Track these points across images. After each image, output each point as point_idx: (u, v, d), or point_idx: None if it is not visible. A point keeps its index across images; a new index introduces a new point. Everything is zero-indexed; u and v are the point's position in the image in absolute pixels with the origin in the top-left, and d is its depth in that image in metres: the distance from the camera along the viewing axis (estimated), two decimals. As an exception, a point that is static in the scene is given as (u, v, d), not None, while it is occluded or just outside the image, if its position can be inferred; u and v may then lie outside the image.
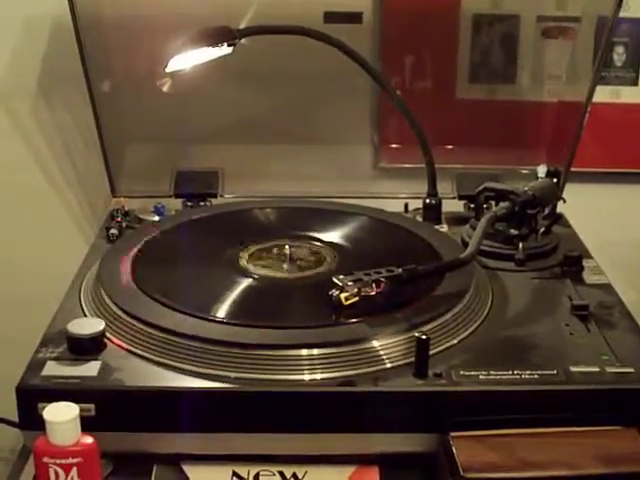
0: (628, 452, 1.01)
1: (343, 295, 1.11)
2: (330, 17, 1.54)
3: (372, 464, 1.08)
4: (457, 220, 1.52)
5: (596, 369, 1.08)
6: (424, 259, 1.25)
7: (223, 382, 1.05)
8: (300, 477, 1.06)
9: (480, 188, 1.41)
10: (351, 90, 1.61)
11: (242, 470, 1.07)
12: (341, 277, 1.13)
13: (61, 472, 0.96)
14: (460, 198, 1.59)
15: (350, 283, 1.11)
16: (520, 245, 1.35)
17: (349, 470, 1.08)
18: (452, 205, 1.58)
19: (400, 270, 1.14)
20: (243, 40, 1.42)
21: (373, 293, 1.12)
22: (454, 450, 1.01)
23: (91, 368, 1.07)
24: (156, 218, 1.51)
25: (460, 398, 1.05)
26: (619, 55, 1.66)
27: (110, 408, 1.04)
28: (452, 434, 1.03)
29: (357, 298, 1.11)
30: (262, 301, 1.22)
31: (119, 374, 1.06)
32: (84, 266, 1.34)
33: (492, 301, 1.24)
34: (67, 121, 1.67)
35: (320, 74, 1.56)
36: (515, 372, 1.07)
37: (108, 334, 1.12)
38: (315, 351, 1.08)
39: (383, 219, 1.46)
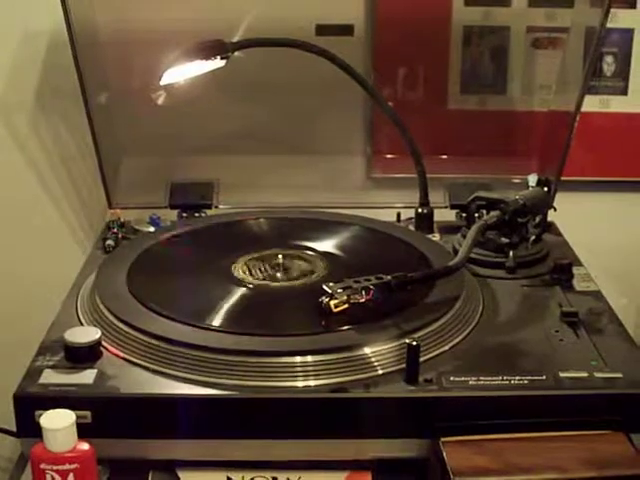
0: (616, 456, 1.02)
1: (333, 302, 1.12)
2: (322, 30, 1.55)
3: (365, 469, 1.09)
4: (449, 229, 1.54)
5: (585, 374, 1.10)
6: (416, 268, 1.26)
7: (217, 389, 1.07)
8: (293, 482, 1.08)
9: (471, 197, 1.42)
10: (344, 101, 1.62)
11: (236, 476, 1.08)
12: (331, 284, 1.14)
13: (58, 478, 0.97)
14: (452, 207, 1.60)
15: (340, 290, 1.12)
16: (511, 253, 1.37)
17: (342, 475, 1.09)
18: (444, 214, 1.59)
19: (389, 277, 1.15)
20: (236, 53, 1.44)
21: (363, 300, 1.13)
22: (445, 455, 1.02)
23: (87, 376, 1.08)
24: (152, 229, 1.52)
25: (450, 404, 1.06)
26: (608, 65, 1.68)
27: (106, 415, 1.05)
28: (443, 439, 1.04)
29: (347, 305, 1.12)
30: (256, 309, 1.23)
31: (115, 382, 1.07)
32: (81, 276, 1.36)
33: (483, 308, 1.26)
34: (64, 134, 1.69)
35: (313, 86, 1.57)
36: (505, 378, 1.09)
37: (104, 343, 1.13)
38: (308, 358, 1.09)
39: (375, 228, 1.48)
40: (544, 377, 1.09)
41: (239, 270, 1.32)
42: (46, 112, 1.68)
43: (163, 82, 1.43)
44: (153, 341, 1.12)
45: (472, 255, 1.32)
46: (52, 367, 1.10)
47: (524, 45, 1.63)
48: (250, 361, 1.09)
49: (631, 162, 1.74)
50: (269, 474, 1.08)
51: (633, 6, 1.65)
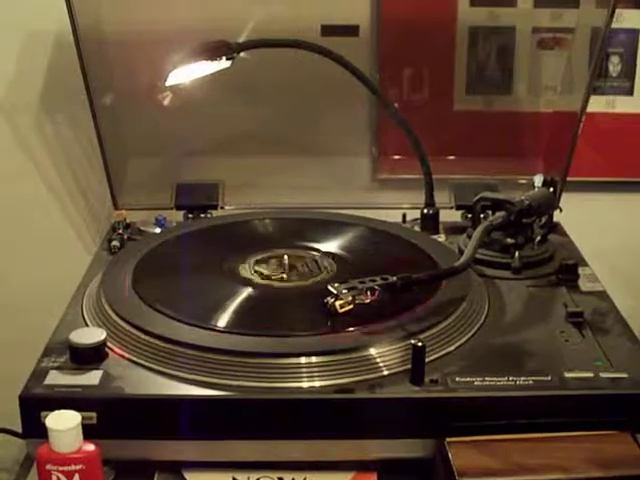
0: (621, 456, 1.02)
1: (338, 303, 1.12)
2: (327, 30, 1.56)
3: (370, 470, 1.09)
4: (455, 230, 1.54)
5: (590, 375, 1.10)
6: (421, 268, 1.26)
7: (223, 390, 1.07)
8: (299, 483, 1.08)
9: (476, 198, 1.42)
10: (349, 102, 1.62)
11: (242, 477, 1.08)
12: (336, 285, 1.14)
13: (64, 479, 0.97)
14: (458, 208, 1.60)
15: (345, 291, 1.13)
16: (516, 254, 1.37)
17: (348, 476, 1.09)
18: (450, 215, 1.59)
19: (394, 278, 1.15)
20: (242, 54, 1.44)
21: (368, 301, 1.13)
22: (450, 455, 1.02)
23: (93, 377, 1.08)
24: (157, 230, 1.52)
25: (456, 404, 1.06)
26: (614, 65, 1.68)
27: (111, 416, 1.05)
28: (448, 439, 1.04)
29: (352, 306, 1.12)
30: (261, 310, 1.23)
31: (120, 383, 1.08)
32: (86, 277, 1.36)
33: (488, 309, 1.26)
34: (69, 135, 1.69)
35: (318, 87, 1.57)
36: (510, 378, 1.09)
37: (109, 344, 1.14)
38: (313, 359, 1.09)
39: (381, 229, 1.48)
40: (549, 377, 1.09)
41: (244, 271, 1.32)
42: (51, 113, 1.68)
43: (169, 83, 1.44)
44: (159, 342, 1.12)
45: (478, 256, 1.32)
46: (58, 368, 1.10)
47: (530, 46, 1.63)
48: (255, 362, 1.09)
49: (637, 162, 1.74)
50: (274, 475, 1.08)
51: (638, 6, 1.65)
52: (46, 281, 1.70)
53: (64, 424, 0.97)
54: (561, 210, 1.48)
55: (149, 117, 1.58)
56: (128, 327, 1.16)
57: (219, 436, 1.07)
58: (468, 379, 1.08)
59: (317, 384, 1.08)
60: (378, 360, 1.10)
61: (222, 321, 1.18)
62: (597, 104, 1.66)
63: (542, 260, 1.39)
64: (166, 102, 1.51)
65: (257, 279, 1.30)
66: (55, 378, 1.08)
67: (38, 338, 1.18)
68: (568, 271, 1.35)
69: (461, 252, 1.37)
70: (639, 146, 1.72)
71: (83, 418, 0.98)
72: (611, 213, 1.75)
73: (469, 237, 1.39)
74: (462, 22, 1.62)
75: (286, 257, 1.35)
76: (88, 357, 1.11)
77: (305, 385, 1.08)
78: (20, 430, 1.07)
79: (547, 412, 1.07)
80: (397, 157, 1.69)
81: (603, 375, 1.10)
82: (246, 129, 1.61)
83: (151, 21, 1.51)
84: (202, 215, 1.59)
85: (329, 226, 1.48)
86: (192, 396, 1.06)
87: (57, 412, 0.99)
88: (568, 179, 1.58)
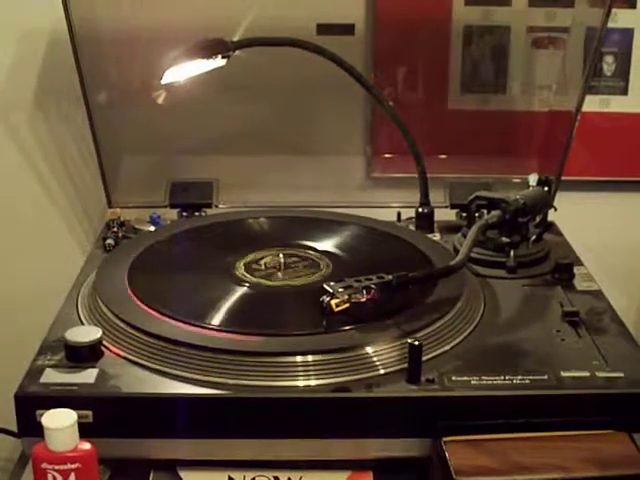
0: (619, 455, 1.02)
1: (334, 301, 1.11)
2: (323, 29, 1.55)
3: (366, 469, 1.09)
4: (450, 229, 1.54)
5: (586, 374, 1.10)
6: (417, 267, 1.26)
7: (219, 389, 1.07)
8: (295, 482, 1.08)
9: (471, 197, 1.42)
10: (344, 101, 1.62)
11: (238, 475, 1.08)
12: (332, 284, 1.13)
13: (59, 478, 0.97)
14: (452, 207, 1.60)
15: (341, 290, 1.12)
16: (511, 253, 1.37)
17: (344, 475, 1.09)
18: (445, 214, 1.59)
19: (390, 277, 1.15)
20: (237, 52, 1.44)
21: (364, 300, 1.12)
22: (447, 454, 1.02)
23: (88, 375, 1.08)
24: (152, 228, 1.52)
25: (452, 403, 1.06)
26: (609, 65, 1.68)
27: (107, 414, 1.05)
28: (445, 439, 1.04)
29: (348, 305, 1.12)
30: (257, 309, 1.23)
31: (116, 381, 1.07)
32: (81, 275, 1.36)
33: (484, 308, 1.26)
34: (64, 133, 1.68)
35: (313, 85, 1.57)
36: (506, 377, 1.09)
37: (105, 342, 1.13)
38: (309, 358, 1.09)
39: (376, 228, 1.48)
40: (546, 377, 1.09)
41: (240, 269, 1.32)
42: (46, 111, 1.68)
43: (164, 81, 1.43)
44: (154, 340, 1.12)
45: (473, 255, 1.32)
46: (53, 366, 1.10)
47: (524, 45, 1.63)
48: (251, 360, 1.09)
49: (631, 162, 1.74)
50: (270, 474, 1.08)
51: (633, 6, 1.65)
52: (40, 280, 1.70)
53: (60, 423, 0.97)
54: (556, 209, 1.48)
55: (144, 115, 1.57)
56: (123, 325, 1.16)
57: (215, 435, 1.07)
58: (464, 378, 1.08)
59: (313, 383, 1.07)
60: (374, 359, 1.10)
61: (217, 320, 1.17)
62: (591, 103, 1.66)
63: (537, 259, 1.40)
64: (161, 100, 1.51)
65: (252, 278, 1.29)
66: (51, 376, 1.08)
67: (33, 336, 1.18)
68: (563, 270, 1.35)
69: (456, 251, 1.37)
70: (633, 146, 1.72)
71: (79, 416, 0.98)
72: (606, 212, 1.75)
73: (464, 236, 1.39)
74: (457, 21, 1.62)
75: (281, 256, 1.35)
76: (84, 355, 1.11)
77: (301, 384, 1.07)
78: (15, 429, 1.07)
79: (544, 411, 1.07)
80: (391, 156, 1.69)
81: (599, 374, 1.10)
82: (241, 127, 1.61)
83: (147, 19, 1.50)
84: (196, 213, 1.59)
85: (324, 225, 1.48)
86: (188, 395, 1.06)
87: (53, 410, 0.98)
88: (563, 178, 1.58)
